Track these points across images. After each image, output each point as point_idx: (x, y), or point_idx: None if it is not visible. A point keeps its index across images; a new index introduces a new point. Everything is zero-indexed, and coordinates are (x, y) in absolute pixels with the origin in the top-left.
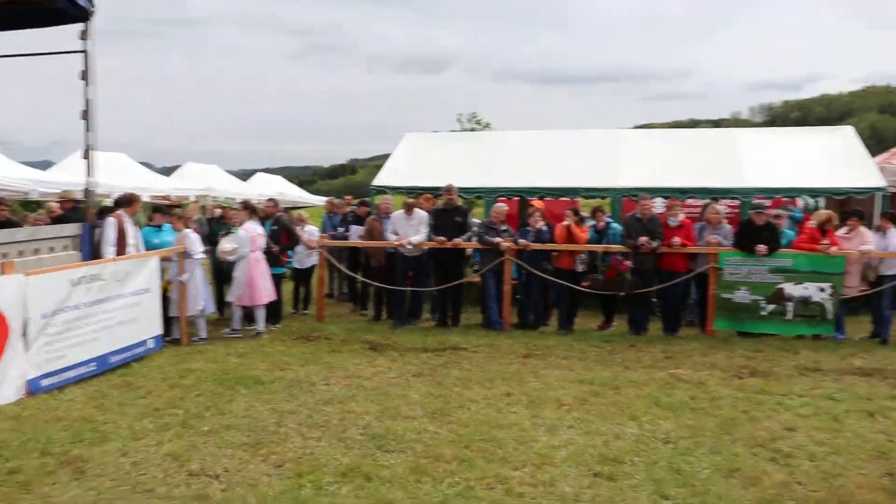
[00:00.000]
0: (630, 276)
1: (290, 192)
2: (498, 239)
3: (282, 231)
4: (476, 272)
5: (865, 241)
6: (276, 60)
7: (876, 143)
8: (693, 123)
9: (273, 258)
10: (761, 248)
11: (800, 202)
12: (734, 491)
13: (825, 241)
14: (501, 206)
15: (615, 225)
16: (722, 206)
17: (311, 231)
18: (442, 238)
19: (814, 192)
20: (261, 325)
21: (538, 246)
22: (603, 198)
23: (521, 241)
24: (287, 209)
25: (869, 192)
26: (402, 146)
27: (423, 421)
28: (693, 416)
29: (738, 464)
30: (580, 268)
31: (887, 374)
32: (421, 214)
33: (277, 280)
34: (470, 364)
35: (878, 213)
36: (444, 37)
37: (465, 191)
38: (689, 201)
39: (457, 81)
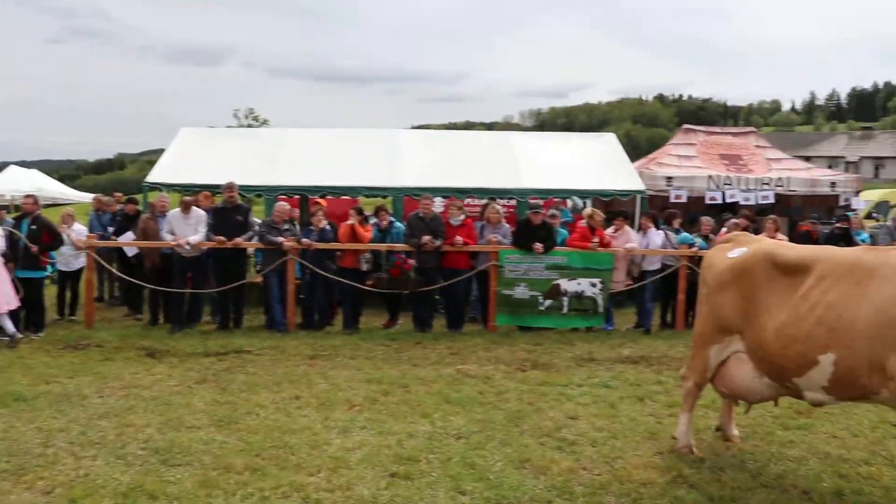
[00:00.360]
0: (414, 274)
1: (51, 188)
2: (281, 238)
3: (42, 230)
4: (258, 272)
5: (630, 239)
6: (32, 42)
7: (631, 150)
8: (468, 125)
9: (32, 260)
10: (538, 246)
11: (569, 203)
12: (527, 481)
13: (595, 240)
14: (283, 205)
15: (398, 224)
16: (500, 206)
17: (79, 230)
18: (222, 238)
19: (583, 194)
20: (9, 329)
21: (322, 245)
22: (384, 197)
23: (305, 240)
24: (47, 206)
25: (631, 195)
26: (178, 141)
27: (210, 430)
28: (482, 410)
29: (527, 454)
30: (364, 267)
31: (652, 361)
32: (199, 213)
33: (39, 284)
34: (255, 368)
35: (639, 214)
36: (220, 28)
37: (244, 189)
38: (469, 201)
39: (233, 75)
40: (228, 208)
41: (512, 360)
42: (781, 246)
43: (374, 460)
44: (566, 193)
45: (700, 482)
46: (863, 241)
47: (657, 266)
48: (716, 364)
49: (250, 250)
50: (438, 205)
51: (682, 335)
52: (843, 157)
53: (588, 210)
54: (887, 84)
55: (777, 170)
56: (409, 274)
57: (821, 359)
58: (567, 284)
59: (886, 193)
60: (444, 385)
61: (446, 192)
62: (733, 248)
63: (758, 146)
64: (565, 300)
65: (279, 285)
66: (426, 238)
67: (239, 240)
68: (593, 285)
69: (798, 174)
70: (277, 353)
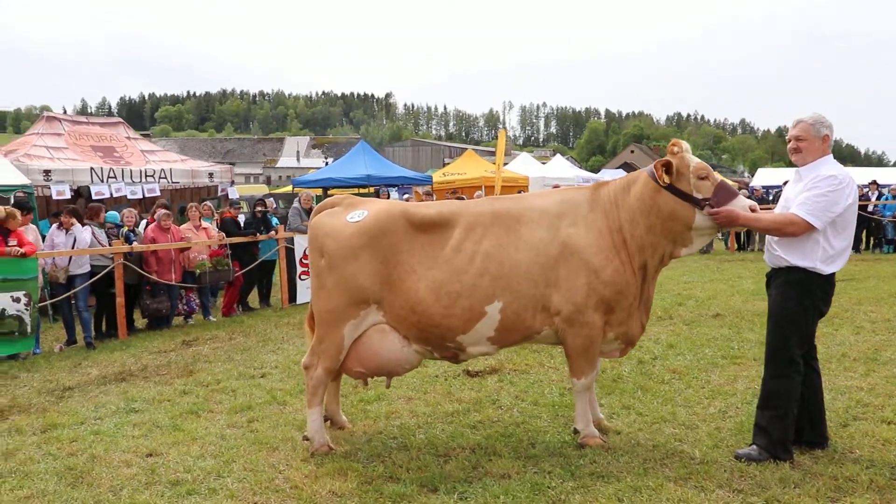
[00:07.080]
0: None
1: None
2: None
3: None
4: None
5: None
6: None
7: None
8: None
9: None
10: None
11: None
12: None
13: (13, 243)
14: None
15: None
16: None
17: None
18: None
19: None
20: None
21: None
22: None
23: None
24: None
25: (15, 189)
26: None
27: None
28: None
29: None
30: None
31: (141, 375)
32: None
33: None
34: None
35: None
36: None
37: None
38: None
39: None
40: None
41: None
42: (412, 204)
43: None
44: None
45: (389, 466)
46: (275, 223)
47: (87, 269)
48: (351, 342)
49: None
50: None
51: (132, 343)
52: None
53: (1, 209)
54: (152, 95)
55: (155, 162)
56: None
57: (488, 309)
58: None
59: None
60: None
61: None
62: (348, 212)
63: (129, 137)
64: None
65: None
66: None
67: None
68: (16, 300)
69: (177, 166)
70: None
